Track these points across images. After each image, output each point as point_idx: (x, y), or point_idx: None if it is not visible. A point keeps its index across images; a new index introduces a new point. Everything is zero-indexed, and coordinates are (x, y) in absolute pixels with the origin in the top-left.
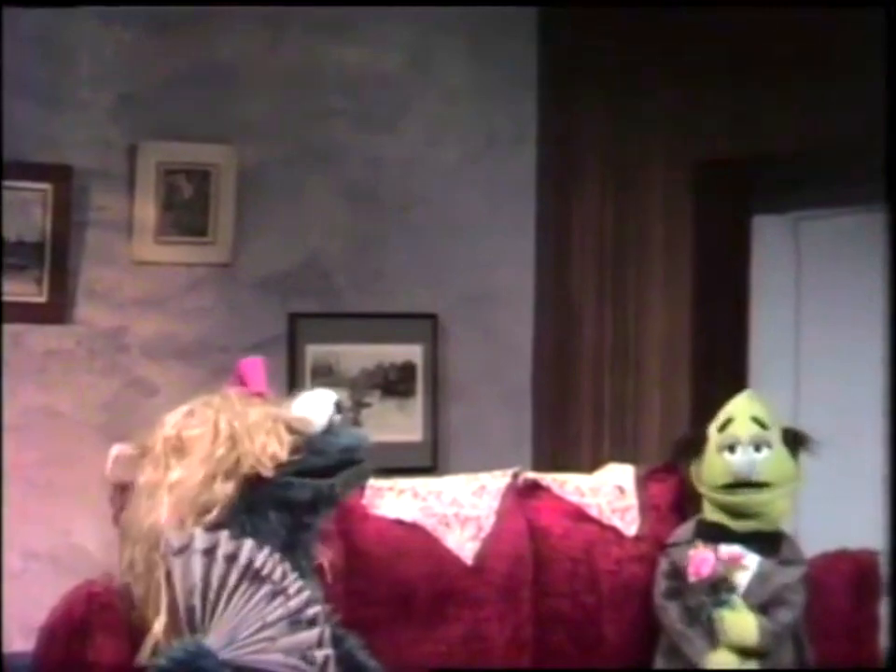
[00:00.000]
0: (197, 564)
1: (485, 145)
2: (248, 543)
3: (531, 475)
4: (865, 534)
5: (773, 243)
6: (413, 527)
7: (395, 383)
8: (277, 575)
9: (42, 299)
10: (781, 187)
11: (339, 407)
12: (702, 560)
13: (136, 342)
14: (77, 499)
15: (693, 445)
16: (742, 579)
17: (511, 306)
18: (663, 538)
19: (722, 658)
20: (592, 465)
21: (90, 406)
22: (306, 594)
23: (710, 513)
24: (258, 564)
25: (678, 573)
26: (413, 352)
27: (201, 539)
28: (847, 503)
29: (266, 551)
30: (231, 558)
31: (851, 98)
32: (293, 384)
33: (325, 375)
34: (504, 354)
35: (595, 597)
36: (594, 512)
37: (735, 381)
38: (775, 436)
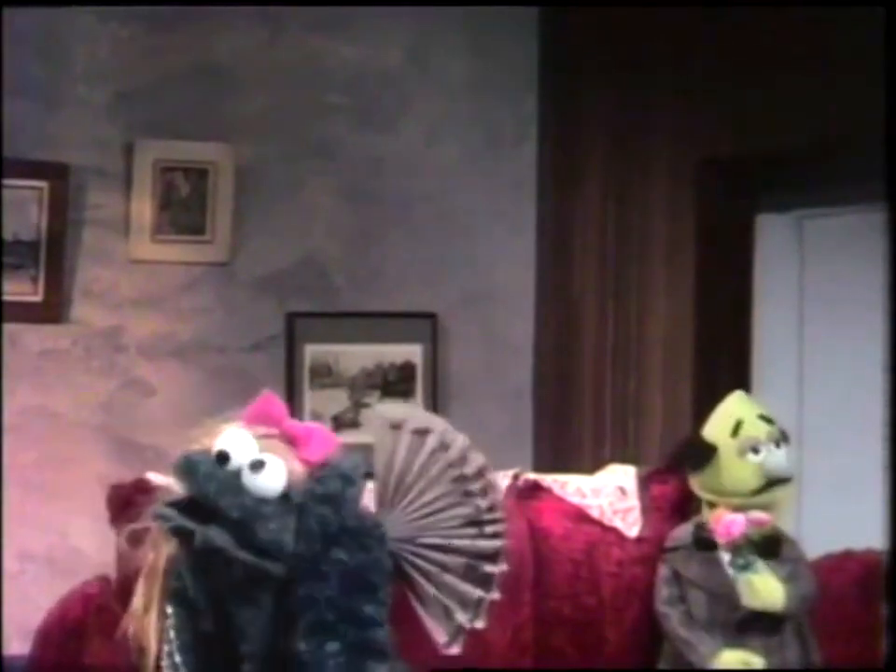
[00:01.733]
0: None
1: (486, 143)
2: (461, 438)
3: (532, 476)
4: (870, 534)
5: (776, 241)
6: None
7: (394, 383)
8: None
9: (38, 298)
10: (785, 185)
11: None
12: (731, 521)
13: (133, 341)
14: (74, 500)
15: (701, 457)
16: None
17: (511, 305)
18: (665, 539)
19: (728, 660)
20: (593, 466)
21: (86, 406)
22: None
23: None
24: (468, 466)
25: (678, 579)
26: (412, 352)
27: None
28: (851, 503)
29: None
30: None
31: (855, 96)
32: (291, 384)
33: (323, 375)
34: (504, 353)
35: (597, 599)
36: (595, 514)
37: (738, 380)
38: (780, 431)
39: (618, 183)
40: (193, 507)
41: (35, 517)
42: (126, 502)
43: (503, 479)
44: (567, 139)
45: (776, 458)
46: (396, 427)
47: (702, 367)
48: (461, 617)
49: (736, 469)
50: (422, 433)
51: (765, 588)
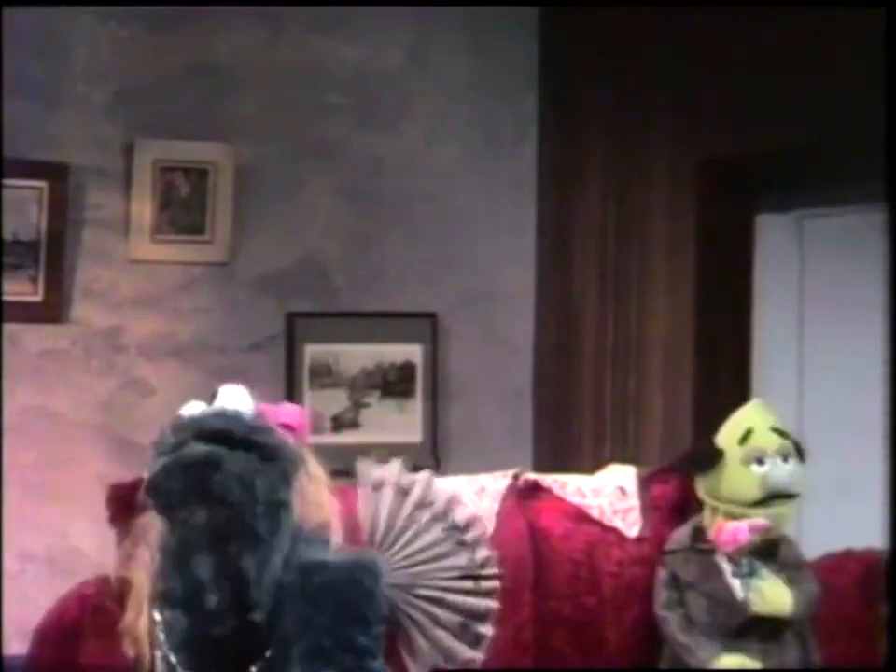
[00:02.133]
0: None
1: (486, 143)
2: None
3: (532, 476)
4: (870, 534)
5: (776, 241)
6: None
7: (394, 383)
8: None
9: (38, 298)
10: (785, 185)
11: None
12: (736, 529)
13: (133, 341)
14: (74, 501)
15: (707, 460)
16: (741, 584)
17: (511, 305)
18: (665, 539)
19: (726, 665)
20: (593, 466)
21: (86, 406)
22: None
23: (709, 521)
24: (457, 516)
25: (677, 582)
26: (412, 352)
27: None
28: (852, 503)
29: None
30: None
31: (855, 97)
32: (291, 384)
33: (323, 375)
34: (504, 353)
35: (597, 599)
36: (595, 514)
37: (738, 381)
38: (792, 447)
39: (618, 183)
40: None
41: (34, 517)
42: (125, 502)
43: (503, 479)
44: (567, 139)
45: (779, 472)
46: (378, 486)
47: (702, 367)
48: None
49: (738, 478)
50: (405, 490)
51: (774, 594)
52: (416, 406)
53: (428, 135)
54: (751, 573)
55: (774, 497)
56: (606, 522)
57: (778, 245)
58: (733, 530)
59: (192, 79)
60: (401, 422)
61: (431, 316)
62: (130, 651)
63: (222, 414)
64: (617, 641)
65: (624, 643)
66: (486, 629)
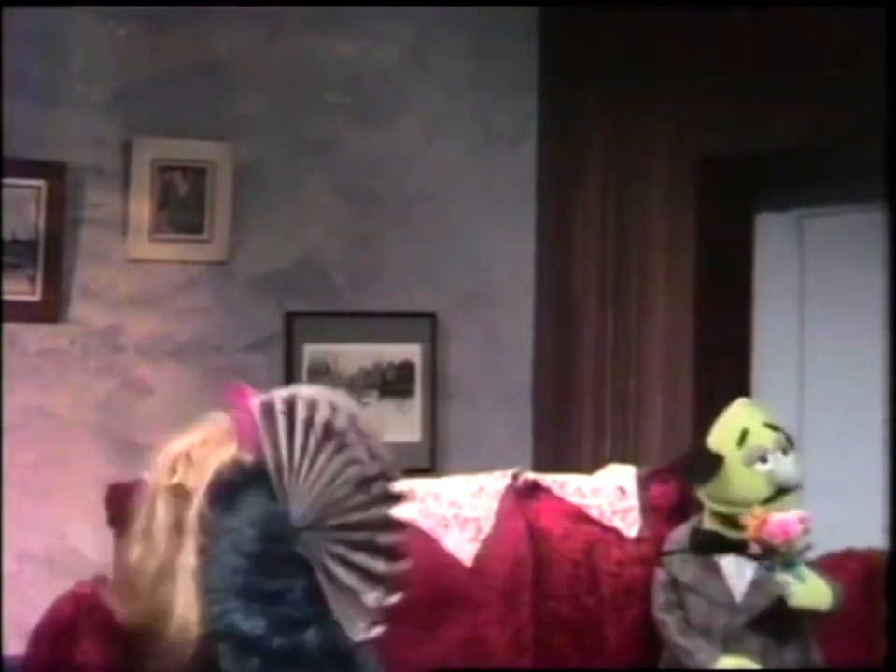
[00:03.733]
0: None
1: (485, 141)
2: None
3: (531, 476)
4: (871, 534)
5: (776, 240)
6: (412, 529)
7: (393, 382)
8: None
9: (36, 297)
10: (785, 184)
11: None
12: (785, 522)
13: (131, 341)
14: (72, 501)
15: (708, 468)
16: (740, 586)
17: (510, 305)
18: (664, 539)
19: (727, 665)
20: (593, 465)
21: (84, 406)
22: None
23: (709, 523)
24: (337, 421)
25: (676, 584)
26: (411, 351)
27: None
28: (852, 502)
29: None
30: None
31: (855, 96)
32: (290, 384)
33: (322, 375)
34: (504, 353)
35: (596, 599)
36: (594, 514)
37: (739, 380)
38: (786, 438)
39: (618, 182)
40: None
41: (33, 517)
42: (124, 502)
43: (502, 478)
44: (567, 138)
45: (784, 466)
46: (266, 411)
47: (702, 366)
48: (370, 598)
49: (745, 479)
50: (289, 411)
51: (817, 587)
52: (415, 406)
53: (428, 134)
54: (791, 565)
55: (783, 491)
56: (605, 522)
57: (778, 245)
58: (781, 522)
59: (191, 78)
60: (400, 422)
61: (430, 316)
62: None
63: None
64: (616, 641)
65: (624, 643)
66: (390, 538)
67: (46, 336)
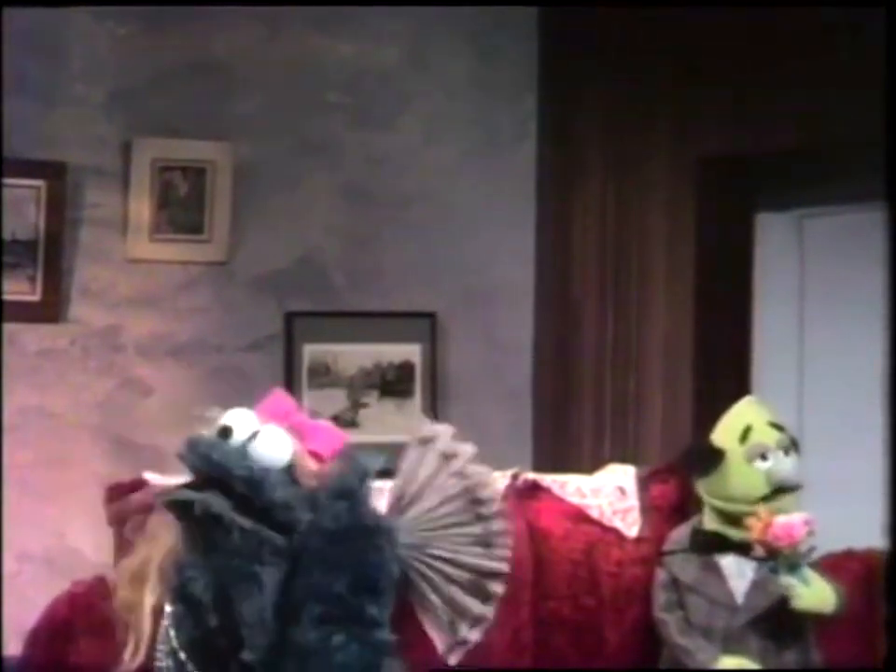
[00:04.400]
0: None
1: (485, 141)
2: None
3: (531, 476)
4: (871, 534)
5: (776, 240)
6: None
7: (393, 382)
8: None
9: (36, 297)
10: (785, 184)
11: None
12: (790, 525)
13: (131, 341)
14: (72, 501)
15: (708, 462)
16: (741, 587)
17: (510, 305)
18: (665, 539)
19: (727, 665)
20: (592, 465)
21: (84, 406)
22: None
23: (710, 522)
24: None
25: (676, 584)
26: (411, 351)
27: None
28: (852, 502)
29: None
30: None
31: (856, 94)
32: (290, 384)
33: (322, 375)
34: (504, 353)
35: (596, 600)
36: (594, 514)
37: (738, 380)
38: (789, 439)
39: (617, 181)
40: (199, 486)
41: (32, 517)
42: (123, 503)
43: (502, 479)
44: (567, 138)
45: (784, 466)
46: (425, 441)
47: (702, 366)
48: (463, 629)
49: (744, 476)
50: (448, 456)
51: (821, 590)
52: (415, 406)
53: (427, 134)
54: (795, 568)
55: (780, 490)
56: (605, 522)
57: (779, 244)
58: (786, 525)
59: (190, 78)
60: (400, 422)
61: (430, 316)
62: (125, 639)
63: (250, 476)
64: (617, 642)
65: (624, 644)
66: (497, 587)
67: (45, 336)
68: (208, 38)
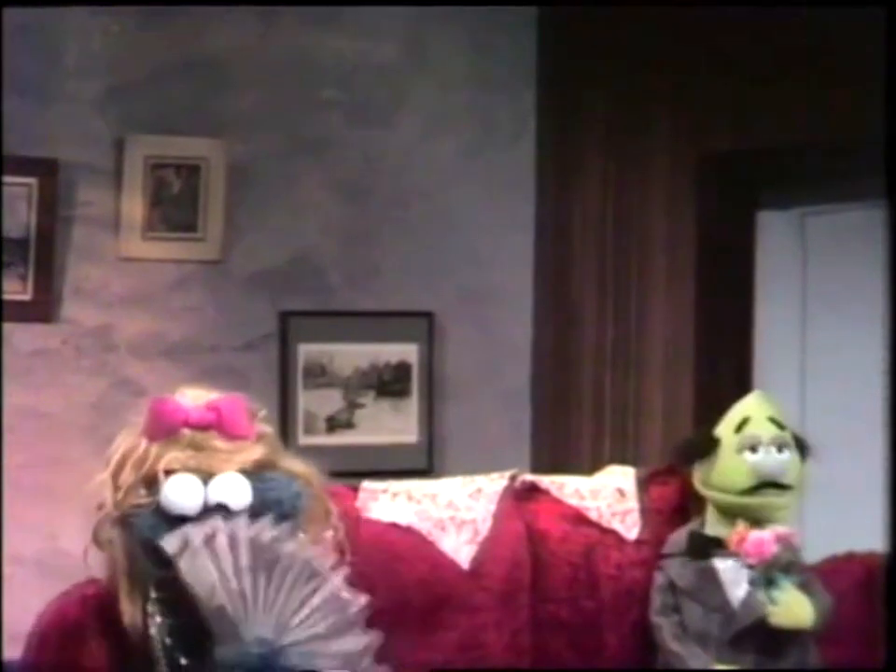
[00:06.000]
0: (204, 559)
1: (484, 138)
2: (243, 521)
3: (529, 477)
4: (873, 534)
5: (778, 239)
6: (408, 531)
7: (390, 383)
8: (305, 554)
9: (27, 297)
10: (787, 182)
11: None
12: (760, 541)
13: (124, 340)
14: (64, 502)
15: (700, 447)
16: (737, 593)
17: (509, 304)
18: (664, 541)
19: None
20: (592, 466)
21: (76, 407)
22: (341, 573)
23: (710, 526)
24: (283, 546)
25: (673, 588)
26: (408, 351)
27: (195, 533)
28: (855, 502)
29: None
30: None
31: (857, 92)
32: (285, 384)
33: (317, 375)
34: (502, 353)
35: (595, 603)
36: (593, 516)
37: (740, 380)
38: (790, 438)
39: (617, 180)
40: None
41: (23, 519)
42: None
43: (500, 480)
44: (566, 135)
45: (772, 460)
46: (180, 551)
47: (703, 366)
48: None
49: (731, 465)
50: (209, 539)
51: (797, 606)
52: (412, 406)
53: (425, 131)
54: (770, 583)
55: (765, 485)
56: (604, 524)
57: (781, 243)
58: (757, 542)
59: (184, 74)
60: (397, 422)
61: (427, 315)
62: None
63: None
64: (616, 645)
65: (624, 647)
66: (357, 602)
67: (37, 336)
68: (202, 34)
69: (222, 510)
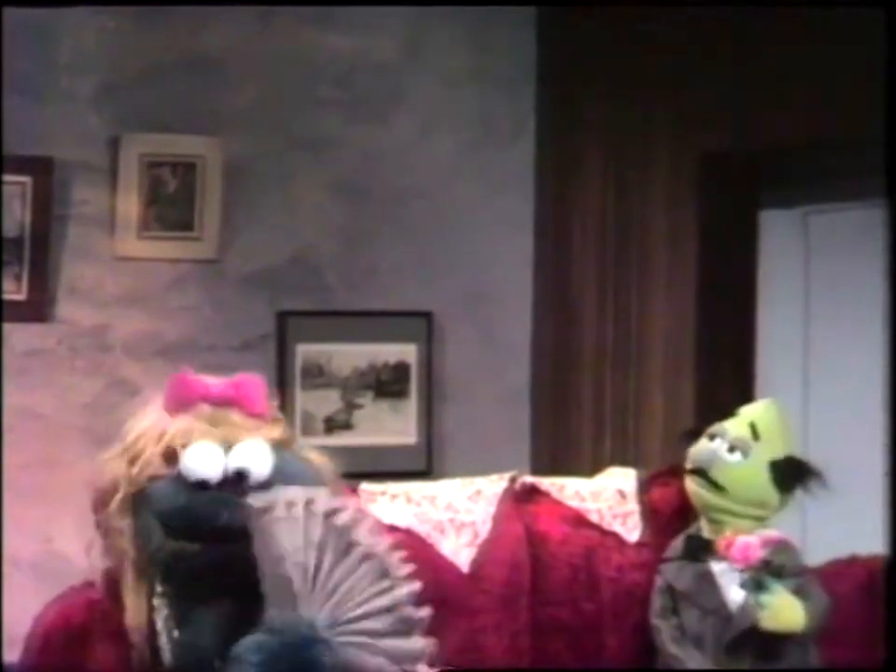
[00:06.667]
0: (281, 525)
1: (483, 136)
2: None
3: (529, 479)
4: (875, 535)
5: (781, 238)
6: (407, 533)
7: (388, 383)
8: (381, 549)
9: (22, 296)
10: (789, 181)
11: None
12: (746, 545)
13: (119, 340)
14: (60, 504)
15: (696, 432)
16: (735, 596)
17: (508, 304)
18: (665, 544)
19: None
20: (592, 468)
21: (72, 407)
22: (414, 585)
23: (706, 528)
24: (359, 531)
25: (672, 591)
26: (406, 351)
27: (280, 498)
28: (857, 502)
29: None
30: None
31: (858, 91)
32: (283, 384)
33: (315, 375)
34: (501, 353)
35: (596, 605)
36: (594, 518)
37: (741, 380)
38: (761, 451)
39: (618, 179)
40: None
41: (18, 521)
42: None
43: (500, 481)
44: (566, 133)
45: (705, 449)
46: (291, 506)
47: (704, 366)
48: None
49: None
50: (329, 515)
51: (786, 609)
52: (411, 407)
53: (424, 129)
54: (760, 587)
55: (694, 471)
56: (605, 526)
57: (783, 242)
58: (742, 547)
59: (180, 72)
60: (395, 423)
61: (426, 315)
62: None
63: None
64: (616, 647)
65: (624, 649)
66: (418, 612)
67: (32, 336)
68: (198, 32)
69: (242, 480)
